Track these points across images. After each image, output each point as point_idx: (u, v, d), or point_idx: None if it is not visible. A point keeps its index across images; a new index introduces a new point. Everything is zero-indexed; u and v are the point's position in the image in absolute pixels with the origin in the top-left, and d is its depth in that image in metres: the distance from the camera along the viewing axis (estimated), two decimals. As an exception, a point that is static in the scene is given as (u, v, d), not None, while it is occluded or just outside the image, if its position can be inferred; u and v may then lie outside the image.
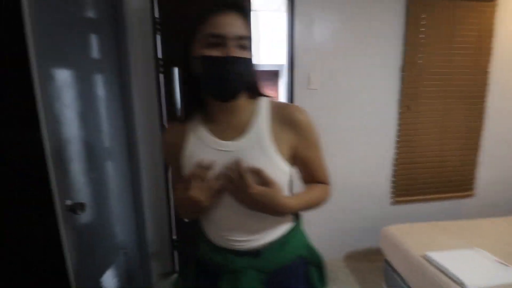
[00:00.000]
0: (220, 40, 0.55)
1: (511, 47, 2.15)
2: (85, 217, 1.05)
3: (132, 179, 1.55)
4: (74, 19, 1.16)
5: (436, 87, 2.07)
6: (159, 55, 1.60)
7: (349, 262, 2.15)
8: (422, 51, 2.00)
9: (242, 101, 0.64)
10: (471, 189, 2.31)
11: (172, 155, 0.68)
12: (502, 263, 1.31)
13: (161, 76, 1.63)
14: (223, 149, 0.62)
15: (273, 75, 5.63)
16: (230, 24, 0.56)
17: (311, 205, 0.70)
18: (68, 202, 0.91)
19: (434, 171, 2.20)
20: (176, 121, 0.70)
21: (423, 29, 1.98)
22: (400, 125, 2.07)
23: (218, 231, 0.67)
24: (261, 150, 0.62)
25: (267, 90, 0.69)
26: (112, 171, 1.39)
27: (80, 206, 0.92)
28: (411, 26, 1.95)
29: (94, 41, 1.33)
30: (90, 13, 1.31)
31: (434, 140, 2.15)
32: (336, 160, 2.04)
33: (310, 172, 0.73)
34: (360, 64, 1.96)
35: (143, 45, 1.62)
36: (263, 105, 0.66)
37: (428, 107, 2.08)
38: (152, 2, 1.55)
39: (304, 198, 0.69)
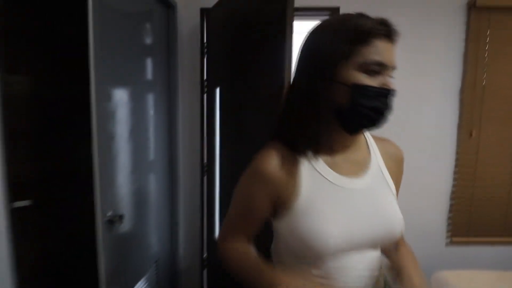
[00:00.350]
0: (378, 69, 0.50)
1: None
2: (123, 227, 1.10)
3: (171, 193, 1.60)
4: (132, 44, 1.29)
5: (503, 111, 1.81)
6: (204, 76, 1.69)
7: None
8: (486, 70, 1.78)
9: (356, 137, 0.57)
10: (553, 234, 1.90)
11: (263, 192, 0.54)
12: None
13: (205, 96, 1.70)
14: (348, 186, 0.54)
15: None
16: (391, 52, 0.51)
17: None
18: (109, 213, 0.96)
19: (501, 209, 1.87)
20: (278, 150, 0.55)
21: (487, 47, 1.77)
22: (458, 153, 1.82)
23: None
24: (388, 187, 0.58)
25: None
26: (153, 184, 1.46)
27: (119, 218, 0.97)
28: (472, 43, 1.75)
29: (148, 64, 1.46)
30: (147, 39, 1.45)
31: (501, 173, 1.85)
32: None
33: None
34: (413, 85, 1.80)
35: (191, 68, 1.73)
36: (369, 138, 0.62)
37: (493, 134, 1.81)
38: (202, 28, 1.66)
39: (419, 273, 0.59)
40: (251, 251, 0.60)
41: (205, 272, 1.76)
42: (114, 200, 1.04)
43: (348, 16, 0.52)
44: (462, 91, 1.79)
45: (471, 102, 1.79)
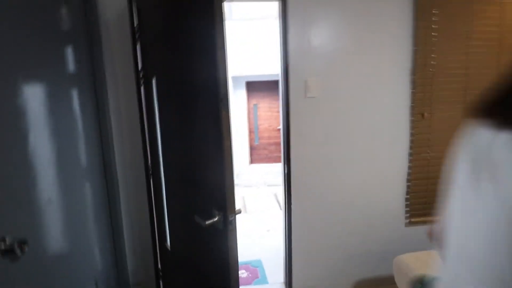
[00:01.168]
0: None
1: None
2: (35, 252, 0.91)
3: (108, 201, 1.41)
4: (43, 32, 1.05)
5: (452, 90, 1.84)
6: (139, 66, 1.48)
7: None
8: (435, 50, 1.78)
9: None
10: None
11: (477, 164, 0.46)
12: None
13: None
14: None
15: (274, 84, 5.50)
16: None
17: None
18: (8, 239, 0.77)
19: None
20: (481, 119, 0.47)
21: (435, 26, 1.76)
22: (413, 135, 1.84)
23: None
24: None
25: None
26: (82, 193, 1.26)
27: (20, 245, 0.78)
28: (420, 22, 1.74)
29: (67, 54, 1.23)
30: (63, 25, 1.21)
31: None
32: (341, 176, 1.83)
33: None
34: (364, 67, 1.76)
35: (123, 57, 1.51)
36: None
37: (444, 114, 1.84)
38: (130, 10, 1.43)
39: None
40: None
41: (161, 283, 1.62)
42: (12, 222, 0.84)
43: None
44: (414, 72, 1.79)
45: (422, 82, 1.80)
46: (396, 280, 1.49)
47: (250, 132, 6.34)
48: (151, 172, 1.54)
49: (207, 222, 0.93)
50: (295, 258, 1.86)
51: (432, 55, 1.77)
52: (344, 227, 1.89)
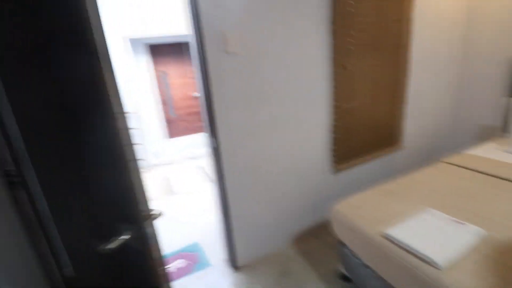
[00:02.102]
0: None
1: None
2: None
3: None
4: None
5: (367, 39, 1.86)
6: None
7: (300, 246, 1.96)
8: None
9: None
10: (400, 141, 2.32)
11: None
12: (457, 221, 1.22)
13: None
14: None
15: (184, 47, 4.88)
16: None
17: None
18: None
19: (369, 131, 2.10)
20: None
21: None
22: (335, 87, 1.82)
23: None
24: None
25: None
26: None
27: None
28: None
29: None
30: None
31: (368, 98, 2.01)
32: (270, 138, 1.70)
33: None
34: (286, 17, 1.57)
35: None
36: None
37: (362, 62, 1.88)
38: None
39: None
40: None
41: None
42: None
43: None
44: (333, 20, 1.69)
45: (342, 32, 1.74)
46: (334, 227, 1.53)
47: (164, 104, 5.64)
48: (17, 180, 1.04)
49: (109, 247, 0.62)
50: (235, 232, 1.73)
51: (350, 1, 1.70)
52: (278, 189, 1.83)
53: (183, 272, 1.85)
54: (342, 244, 1.52)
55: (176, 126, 5.82)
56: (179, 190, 3.25)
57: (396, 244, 1.16)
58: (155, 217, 0.66)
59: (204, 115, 1.56)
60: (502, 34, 2.20)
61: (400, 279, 1.14)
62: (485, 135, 2.41)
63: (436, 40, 2.27)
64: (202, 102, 1.55)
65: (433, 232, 1.18)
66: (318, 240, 1.99)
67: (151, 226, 0.65)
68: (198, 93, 1.57)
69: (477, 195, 1.44)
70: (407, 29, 2.02)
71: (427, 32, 2.18)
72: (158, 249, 0.69)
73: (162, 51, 5.36)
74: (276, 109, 1.68)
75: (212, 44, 1.40)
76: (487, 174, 1.65)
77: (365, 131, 2.07)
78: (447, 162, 1.88)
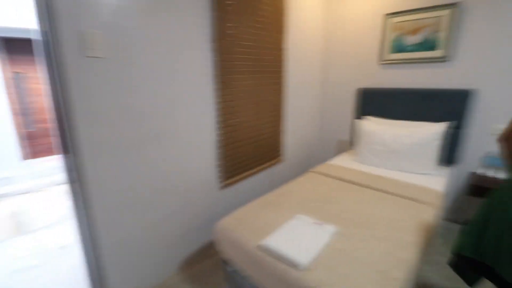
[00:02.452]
0: None
1: (300, 25, 2.47)
2: None
3: None
4: None
5: (248, 61, 2.01)
6: None
7: (189, 271, 1.83)
8: (232, 19, 1.82)
9: None
10: (281, 155, 2.59)
11: None
12: (317, 223, 1.40)
13: None
14: None
15: (24, 45, 4.05)
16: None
17: None
18: None
19: (254, 145, 2.24)
20: None
21: (229, -4, 1.78)
22: (219, 103, 1.85)
23: None
24: None
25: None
26: None
27: None
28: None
29: None
30: None
31: (251, 115, 2.15)
32: (148, 149, 1.55)
33: None
34: (164, 24, 1.49)
35: None
36: None
37: (245, 82, 2.00)
38: None
39: None
40: None
41: None
42: None
43: None
44: (214, 39, 1.74)
45: (224, 50, 1.81)
46: (219, 245, 1.50)
47: (20, 114, 4.39)
48: None
49: None
50: (108, 266, 1.45)
51: (229, 24, 1.80)
52: (163, 210, 1.67)
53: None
54: (226, 262, 1.50)
55: (37, 144, 4.64)
56: (33, 227, 2.52)
57: (269, 254, 1.22)
58: None
59: (61, 131, 1.26)
60: (350, 70, 2.83)
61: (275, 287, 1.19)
62: (343, 147, 3.00)
63: (305, 69, 2.71)
64: (56, 114, 1.26)
65: (298, 236, 1.31)
66: (208, 260, 1.92)
67: None
68: (50, 102, 1.26)
69: (333, 198, 1.73)
70: (282, 57, 2.32)
71: (298, 62, 2.57)
72: None
73: (20, 47, 4.25)
74: (157, 123, 1.55)
75: (70, 45, 1.17)
76: (342, 180, 2.02)
77: (250, 146, 2.19)
78: (314, 172, 2.21)
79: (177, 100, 1.63)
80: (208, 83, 1.77)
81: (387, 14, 2.46)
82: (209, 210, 1.97)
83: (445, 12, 2.17)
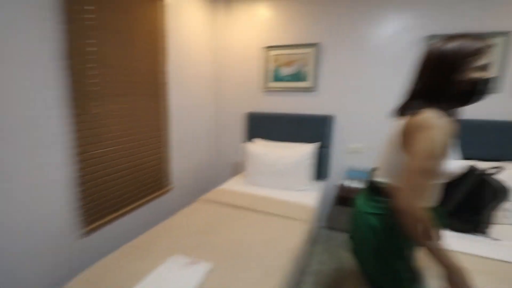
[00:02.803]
0: (487, 67, 0.89)
1: (183, 48, 2.41)
2: None
3: None
4: None
5: (119, 82, 1.78)
6: None
7: None
8: (93, 36, 1.59)
9: None
10: (169, 183, 2.40)
11: (447, 143, 0.87)
12: (191, 263, 1.29)
13: None
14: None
15: None
16: (491, 56, 0.90)
17: None
18: None
19: (132, 177, 1.99)
20: (445, 117, 0.89)
21: (91, 7, 1.55)
22: (76, 131, 1.55)
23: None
24: None
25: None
26: None
27: None
28: (68, 4, 1.44)
29: None
30: None
31: (127, 143, 1.90)
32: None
33: None
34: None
35: None
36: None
37: (112, 106, 1.76)
38: None
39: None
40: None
41: None
42: None
43: (463, 40, 0.90)
44: (69, 56, 1.46)
45: (83, 70, 1.54)
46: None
47: None
48: None
49: None
50: None
51: (89, 41, 1.56)
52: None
53: None
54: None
55: None
56: None
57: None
58: None
59: None
60: (239, 95, 2.95)
61: None
62: (237, 169, 3.04)
63: (194, 93, 2.66)
64: None
65: (165, 284, 1.17)
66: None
67: None
68: None
69: (216, 227, 1.67)
70: (163, 80, 2.19)
71: (184, 85, 2.50)
72: None
73: None
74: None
75: None
76: (229, 205, 2.00)
77: (127, 177, 1.93)
78: (203, 199, 2.12)
79: (15, 129, 1.27)
80: (53, 107, 1.45)
81: (266, 47, 2.71)
82: (69, 265, 1.58)
83: (310, 50, 2.55)
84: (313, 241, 2.44)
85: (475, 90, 0.90)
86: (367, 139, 2.50)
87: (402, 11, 2.23)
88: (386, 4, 2.26)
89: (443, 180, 0.99)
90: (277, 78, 2.73)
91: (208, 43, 2.81)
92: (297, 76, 2.65)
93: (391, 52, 2.28)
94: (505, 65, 2.02)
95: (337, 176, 2.66)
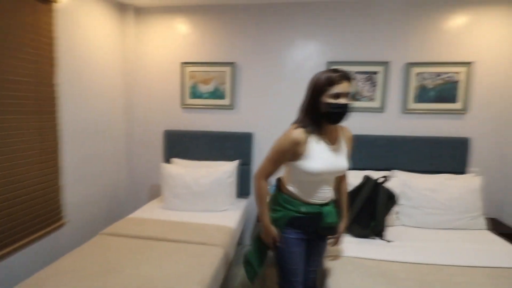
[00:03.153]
0: (340, 95, 1.15)
1: (81, 58, 2.10)
2: None
3: None
4: None
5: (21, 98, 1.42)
6: None
7: None
8: None
9: (335, 126, 1.25)
10: (61, 218, 1.99)
11: (291, 149, 1.20)
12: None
13: None
14: (331, 148, 1.24)
15: None
16: (345, 87, 1.15)
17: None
18: None
19: (6, 213, 1.56)
20: (300, 129, 1.21)
21: None
22: None
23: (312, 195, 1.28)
24: (344, 149, 1.30)
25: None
26: None
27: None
28: None
29: None
30: None
31: (29, 166, 1.50)
32: None
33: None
34: None
35: None
36: (339, 127, 1.29)
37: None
38: None
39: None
40: (267, 189, 1.31)
41: None
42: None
43: (327, 72, 1.18)
44: None
45: None
46: None
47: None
48: None
49: None
50: None
51: None
52: None
53: None
54: None
55: None
56: None
57: None
58: None
59: None
60: (156, 111, 2.73)
61: None
62: (156, 192, 2.76)
63: (97, 109, 2.34)
64: None
65: None
66: None
67: None
68: None
69: (117, 266, 1.41)
70: (52, 95, 1.85)
71: (83, 100, 2.17)
72: None
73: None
74: None
75: None
76: (139, 237, 1.75)
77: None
78: (106, 233, 1.82)
79: None
80: None
81: (183, 63, 2.61)
82: None
83: (227, 69, 2.57)
84: (235, 262, 2.35)
85: (330, 112, 1.16)
86: (285, 155, 2.61)
87: (308, 40, 2.47)
88: (294, 33, 2.47)
89: (309, 178, 1.25)
90: (196, 95, 2.65)
91: (116, 54, 2.55)
92: (215, 94, 2.62)
93: (302, 75, 2.48)
94: (386, 88, 2.42)
95: (259, 193, 2.68)
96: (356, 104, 2.45)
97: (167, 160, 2.65)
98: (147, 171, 2.81)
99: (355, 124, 2.43)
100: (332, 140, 1.25)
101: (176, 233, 1.80)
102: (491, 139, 2.37)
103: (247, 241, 2.75)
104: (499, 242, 1.85)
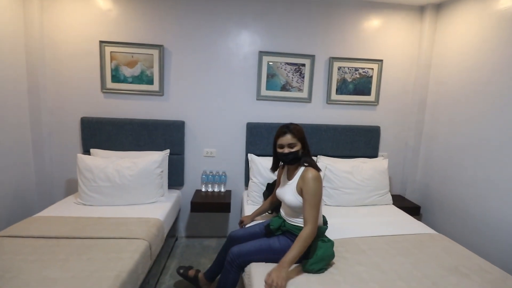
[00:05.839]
0: (283, 146, 1.53)
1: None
2: None
3: None
4: None
5: None
6: None
7: None
8: None
9: (295, 166, 1.56)
10: None
11: (277, 179, 1.77)
12: None
13: None
14: (287, 183, 1.58)
15: None
16: (288, 139, 1.51)
17: (301, 249, 1.35)
18: None
19: None
20: (279, 167, 1.73)
21: None
22: None
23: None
24: (293, 187, 1.52)
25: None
26: None
27: None
28: None
29: None
30: None
31: None
32: None
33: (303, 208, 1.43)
34: None
35: None
36: (300, 168, 1.53)
37: None
38: None
39: (294, 250, 1.34)
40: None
41: None
42: None
43: (280, 127, 1.57)
44: None
45: None
46: None
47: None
48: None
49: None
50: None
51: None
52: None
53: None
54: None
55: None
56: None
57: None
58: None
59: None
60: (72, 96, 2.38)
61: None
62: (75, 189, 2.44)
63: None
64: None
65: None
66: None
67: None
68: None
69: (16, 272, 1.21)
70: None
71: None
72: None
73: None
74: None
75: None
76: (44, 237, 1.53)
77: None
78: (0, 236, 1.54)
79: None
80: None
81: (102, 42, 2.34)
82: None
83: (154, 51, 2.39)
84: (166, 255, 2.26)
85: (279, 158, 1.60)
86: (218, 145, 2.59)
87: (241, 29, 2.45)
88: (227, 21, 2.43)
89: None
90: (119, 79, 2.41)
91: (15, 29, 2.13)
92: (142, 79, 2.43)
93: (235, 63, 2.46)
94: (312, 80, 2.58)
95: (193, 183, 2.62)
96: (287, 94, 2.56)
97: (86, 151, 2.37)
98: (61, 164, 2.47)
99: (285, 112, 2.61)
100: (289, 176, 1.60)
101: (91, 230, 1.63)
102: (395, 127, 2.75)
103: (182, 233, 2.68)
104: (401, 214, 2.19)
